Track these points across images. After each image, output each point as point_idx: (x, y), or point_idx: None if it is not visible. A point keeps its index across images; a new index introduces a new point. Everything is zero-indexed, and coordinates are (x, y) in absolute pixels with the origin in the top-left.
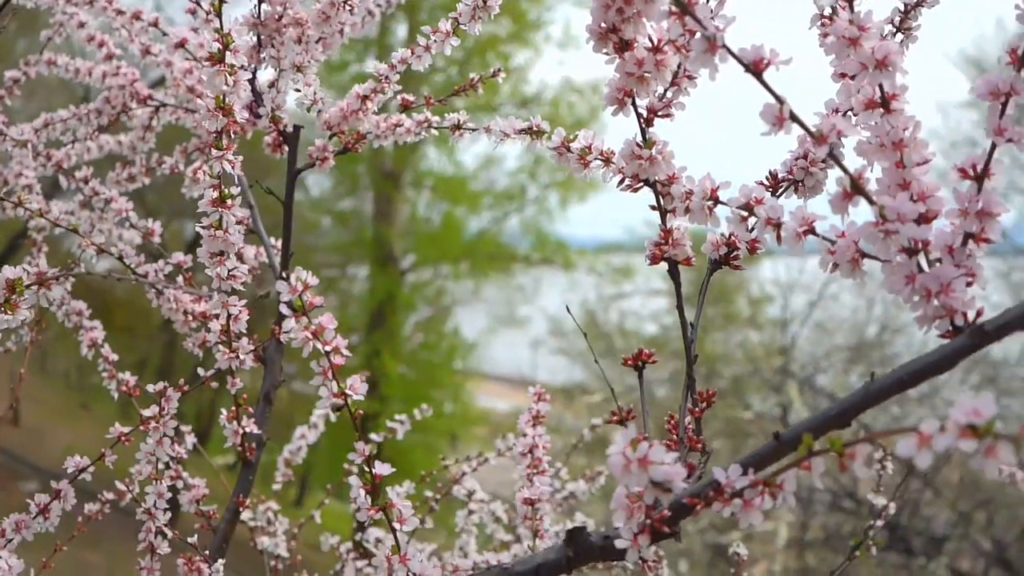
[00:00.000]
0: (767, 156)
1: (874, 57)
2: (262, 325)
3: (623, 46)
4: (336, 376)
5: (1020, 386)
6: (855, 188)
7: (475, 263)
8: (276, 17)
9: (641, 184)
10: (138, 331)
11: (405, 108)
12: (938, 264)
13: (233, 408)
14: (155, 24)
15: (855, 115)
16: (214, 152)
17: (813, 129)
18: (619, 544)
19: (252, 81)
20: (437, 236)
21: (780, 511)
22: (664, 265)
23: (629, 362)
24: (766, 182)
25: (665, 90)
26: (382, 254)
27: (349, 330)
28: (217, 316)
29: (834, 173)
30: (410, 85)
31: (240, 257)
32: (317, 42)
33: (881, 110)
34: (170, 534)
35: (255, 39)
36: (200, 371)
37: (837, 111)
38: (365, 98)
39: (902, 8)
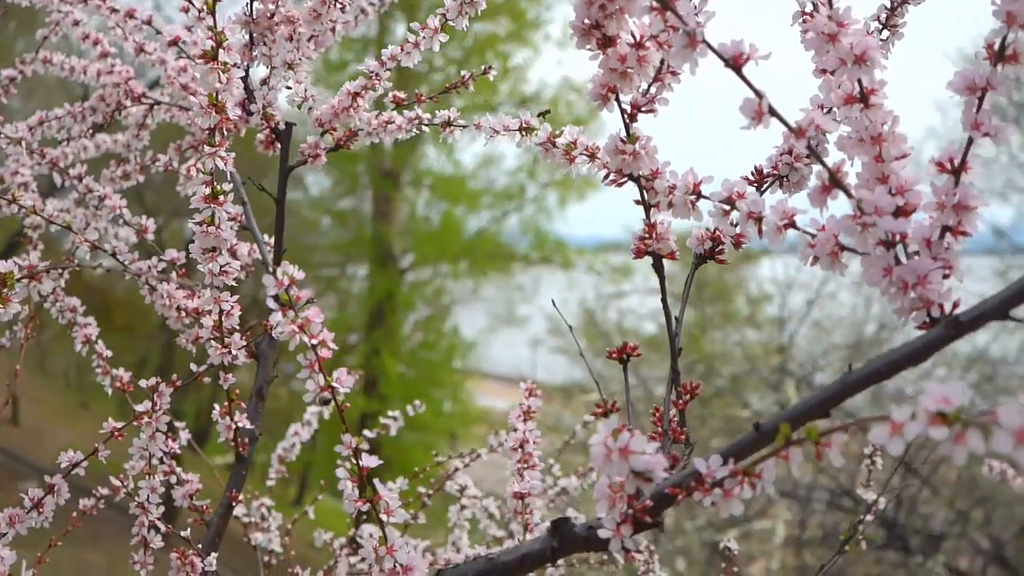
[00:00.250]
0: (752, 152)
1: (852, 52)
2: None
3: (606, 42)
4: (323, 369)
5: (1019, 384)
6: (833, 181)
7: (474, 262)
8: (268, 15)
9: (625, 179)
10: (137, 331)
11: (397, 105)
12: (916, 257)
13: (226, 403)
14: (149, 22)
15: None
16: (207, 148)
17: (793, 124)
18: (602, 534)
19: (245, 79)
20: (436, 235)
21: (778, 509)
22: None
23: (613, 355)
24: (751, 177)
25: (649, 86)
26: (381, 253)
27: (348, 329)
28: (209, 312)
29: (818, 168)
30: (410, 85)
31: (233, 253)
32: (309, 40)
33: (860, 105)
34: (163, 528)
35: (247, 37)
36: (193, 367)
37: (822, 108)
38: (356, 95)
39: (888, 5)
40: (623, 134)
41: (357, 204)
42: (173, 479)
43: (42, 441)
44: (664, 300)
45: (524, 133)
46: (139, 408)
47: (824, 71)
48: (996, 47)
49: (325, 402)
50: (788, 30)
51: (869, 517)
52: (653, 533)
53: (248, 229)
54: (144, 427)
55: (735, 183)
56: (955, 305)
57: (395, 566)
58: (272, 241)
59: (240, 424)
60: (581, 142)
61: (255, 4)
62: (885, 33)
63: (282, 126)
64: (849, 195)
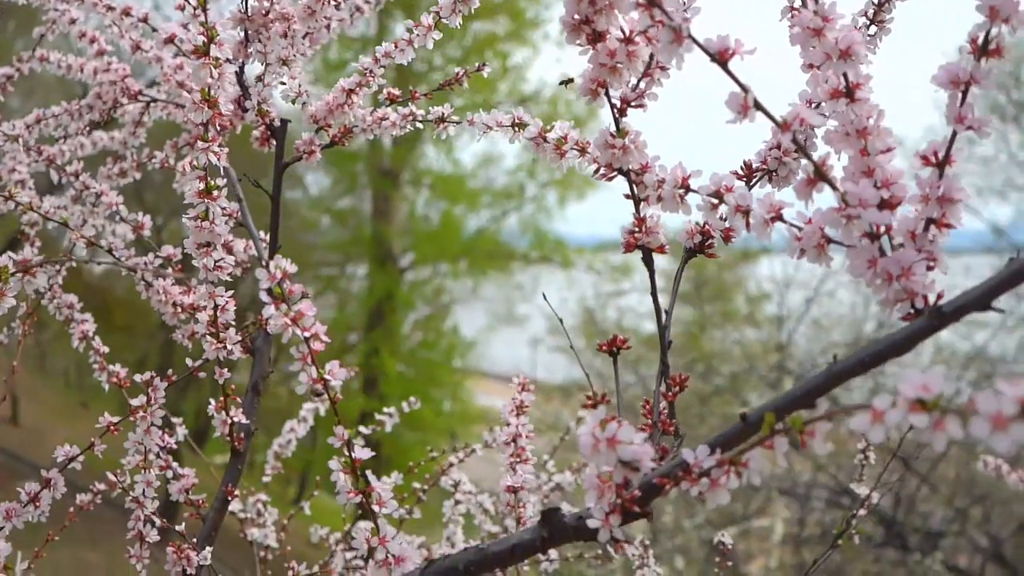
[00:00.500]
0: (741, 147)
1: (838, 47)
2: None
3: (596, 37)
4: (316, 362)
5: None
6: (818, 175)
7: (474, 261)
8: (263, 12)
9: (615, 173)
10: (137, 330)
11: (392, 102)
12: (901, 249)
13: (221, 398)
14: (145, 20)
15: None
16: (200, 144)
17: (779, 118)
18: (591, 524)
19: (240, 75)
20: (436, 234)
21: (777, 507)
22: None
23: (603, 348)
24: (740, 172)
25: (638, 81)
26: (381, 252)
27: (348, 328)
28: (205, 307)
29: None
30: (409, 84)
31: (228, 249)
32: (304, 37)
33: (846, 99)
34: (159, 522)
35: (243, 34)
36: (189, 362)
37: (809, 103)
38: (350, 92)
39: (875, 1)
40: (613, 129)
41: (356, 203)
42: (169, 474)
43: (42, 441)
44: (654, 294)
45: (516, 129)
46: (134, 402)
47: (811, 66)
48: (980, 41)
49: (318, 394)
50: (780, 29)
51: (863, 511)
52: (652, 530)
53: (244, 226)
54: (139, 421)
55: (723, 177)
56: (939, 296)
57: (387, 556)
58: (267, 238)
59: (236, 419)
60: (571, 137)
61: (250, 1)
62: (873, 29)
63: (277, 123)
64: (834, 188)
